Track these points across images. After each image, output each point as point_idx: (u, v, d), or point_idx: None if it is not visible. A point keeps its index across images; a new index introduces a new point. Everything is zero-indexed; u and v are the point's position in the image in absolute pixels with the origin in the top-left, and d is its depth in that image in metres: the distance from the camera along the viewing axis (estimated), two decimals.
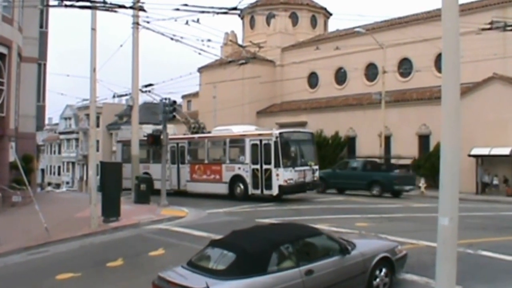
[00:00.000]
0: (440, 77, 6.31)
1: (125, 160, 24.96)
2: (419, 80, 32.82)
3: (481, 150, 26.45)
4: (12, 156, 19.70)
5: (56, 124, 76.29)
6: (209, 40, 20.01)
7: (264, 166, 20.95)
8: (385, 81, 30.09)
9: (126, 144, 25.82)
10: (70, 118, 70.96)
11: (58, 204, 22.57)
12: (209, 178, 23.40)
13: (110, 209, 15.56)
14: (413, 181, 26.00)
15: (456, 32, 5.56)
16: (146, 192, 20.79)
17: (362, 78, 37.16)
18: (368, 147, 33.56)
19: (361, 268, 7.45)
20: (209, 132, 25.55)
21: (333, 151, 34.16)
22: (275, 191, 20.64)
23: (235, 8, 14.60)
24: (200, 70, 45.55)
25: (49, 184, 68.16)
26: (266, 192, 20.97)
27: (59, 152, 74.18)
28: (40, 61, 25.64)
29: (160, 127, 21.92)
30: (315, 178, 22.20)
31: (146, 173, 24.48)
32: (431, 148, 30.39)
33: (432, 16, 31.51)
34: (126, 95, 25.89)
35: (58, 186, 65.93)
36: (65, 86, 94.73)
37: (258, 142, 21.30)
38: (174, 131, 27.43)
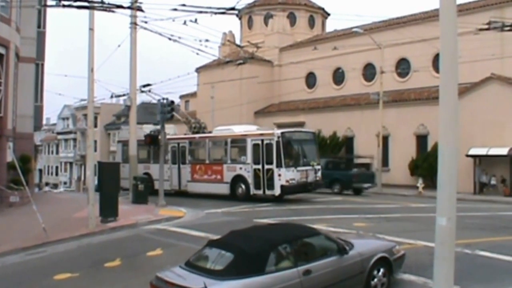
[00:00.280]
0: (438, 77, 6.31)
1: (125, 160, 24.90)
2: (417, 80, 32.87)
3: (479, 150, 26.49)
4: (9, 156, 19.67)
5: (54, 124, 76.18)
6: (207, 40, 19.99)
7: (266, 166, 20.85)
8: (383, 81, 30.11)
9: (126, 144, 25.74)
10: (68, 118, 70.86)
11: (56, 204, 22.54)
12: (210, 178, 23.31)
13: (108, 209, 15.55)
14: (372, 179, 27.86)
15: (454, 32, 5.57)
16: (144, 192, 20.77)
17: (360, 78, 37.19)
18: (366, 147, 33.63)
19: (359, 268, 7.45)
20: (210, 132, 25.49)
21: (331, 151, 34.17)
22: (277, 191, 20.55)
23: (233, 8, 14.58)
24: (198, 70, 45.55)
25: (47, 184, 68.00)
26: (268, 192, 20.86)
27: (57, 152, 74.09)
28: (38, 61, 25.62)
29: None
30: (318, 178, 22.09)
31: (146, 173, 24.44)
32: (429, 148, 30.43)
33: (430, 16, 31.56)
34: (124, 95, 25.95)
35: (55, 186, 65.83)
36: (63, 86, 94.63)
37: (259, 142, 21.20)
38: (175, 131, 27.38)
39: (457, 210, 5.62)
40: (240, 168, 21.94)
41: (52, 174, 74.86)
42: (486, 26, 18.21)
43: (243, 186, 21.81)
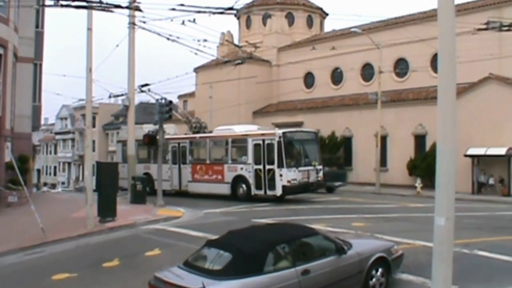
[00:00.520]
0: (436, 77, 6.31)
1: (125, 160, 24.77)
2: (415, 80, 32.89)
3: (477, 150, 26.51)
4: (7, 156, 19.65)
5: (52, 124, 76.12)
6: (205, 40, 20.03)
7: (267, 166, 20.77)
8: (381, 81, 30.10)
9: (126, 144, 25.62)
10: (66, 118, 70.81)
11: (54, 204, 22.52)
12: (211, 178, 23.22)
13: (106, 209, 15.54)
14: (343, 178, 29.31)
15: (452, 32, 5.57)
16: (142, 192, 20.75)
17: (358, 78, 37.21)
18: (364, 147, 33.69)
19: (358, 268, 7.46)
20: (210, 132, 25.43)
21: (330, 151, 34.18)
22: (278, 191, 20.47)
23: (231, 8, 14.58)
24: (196, 70, 45.54)
25: (45, 184, 67.90)
26: (269, 192, 20.76)
27: (55, 152, 74.03)
28: (36, 61, 25.54)
29: None
30: (319, 178, 21.98)
31: (147, 173, 24.38)
32: (427, 148, 30.46)
33: (428, 16, 31.59)
34: (122, 95, 25.90)
35: (54, 186, 65.75)
36: (61, 86, 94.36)
37: (260, 142, 21.11)
38: (175, 130, 27.30)
39: (456, 210, 5.63)
40: (241, 168, 21.86)
41: (50, 174, 74.78)
42: (484, 26, 18.21)
43: (244, 186, 21.72)
